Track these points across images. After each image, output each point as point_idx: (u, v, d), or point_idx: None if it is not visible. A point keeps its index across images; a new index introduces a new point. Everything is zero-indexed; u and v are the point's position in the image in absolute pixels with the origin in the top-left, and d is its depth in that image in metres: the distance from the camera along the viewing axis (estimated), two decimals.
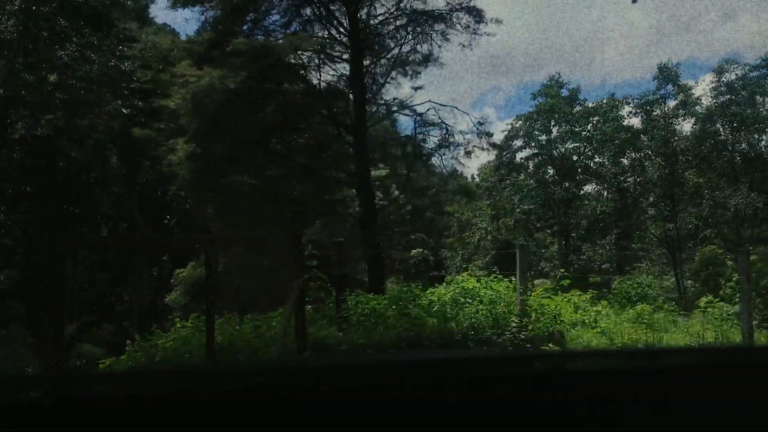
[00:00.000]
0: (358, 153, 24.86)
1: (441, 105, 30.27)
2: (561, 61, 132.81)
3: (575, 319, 9.83)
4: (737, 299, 14.04)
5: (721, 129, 40.32)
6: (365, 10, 25.81)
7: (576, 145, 50.13)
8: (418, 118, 29.02)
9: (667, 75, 42.60)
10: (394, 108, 28.65)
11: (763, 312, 12.62)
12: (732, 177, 40.78)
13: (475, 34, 26.07)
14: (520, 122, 50.37)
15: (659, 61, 45.17)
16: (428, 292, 10.37)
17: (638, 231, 48.27)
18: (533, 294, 9.76)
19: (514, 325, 8.55)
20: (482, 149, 30.10)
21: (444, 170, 36.24)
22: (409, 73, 28.03)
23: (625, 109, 44.91)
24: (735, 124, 40.17)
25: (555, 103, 47.78)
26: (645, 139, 43.22)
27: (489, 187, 54.08)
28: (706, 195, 41.88)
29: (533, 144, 51.99)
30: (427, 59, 27.37)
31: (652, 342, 8.38)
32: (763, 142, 41.68)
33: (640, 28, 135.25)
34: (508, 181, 53.46)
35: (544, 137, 51.31)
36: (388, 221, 66.99)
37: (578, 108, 49.15)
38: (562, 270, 12.27)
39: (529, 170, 52.95)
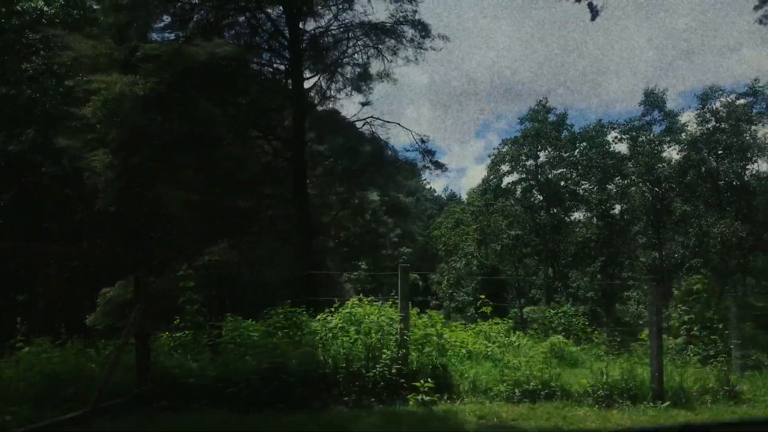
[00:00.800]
0: (296, 168, 23.93)
1: (385, 121, 29.35)
2: (566, 89, 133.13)
3: (475, 350, 9.03)
4: (683, 332, 13.32)
5: (706, 156, 39.72)
6: (309, 22, 25.10)
7: (563, 170, 49.67)
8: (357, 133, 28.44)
9: (653, 101, 42.22)
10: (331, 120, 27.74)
11: (704, 347, 11.87)
12: (717, 205, 40.16)
13: (421, 48, 25.49)
14: (506, 147, 49.91)
15: (647, 86, 45.03)
16: (318, 317, 9.57)
17: (628, 259, 47.51)
18: (419, 323, 8.98)
19: (385, 357, 7.73)
20: (426, 167, 29.27)
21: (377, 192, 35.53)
22: (363, 88, 27.37)
23: (611, 135, 44.49)
24: (720, 152, 39.64)
25: (541, 128, 47.37)
26: (630, 165, 42.70)
27: (475, 211, 53.42)
28: (693, 223, 41.20)
29: (520, 169, 51.52)
30: (380, 75, 26.81)
31: (547, 377, 7.65)
32: (749, 171, 41.10)
33: (644, 58, 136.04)
34: (495, 206, 52.85)
35: (531, 162, 50.88)
36: (376, 245, 66.50)
37: (565, 133, 48.74)
38: (483, 296, 11.44)
39: (516, 195, 52.37)
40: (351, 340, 8.02)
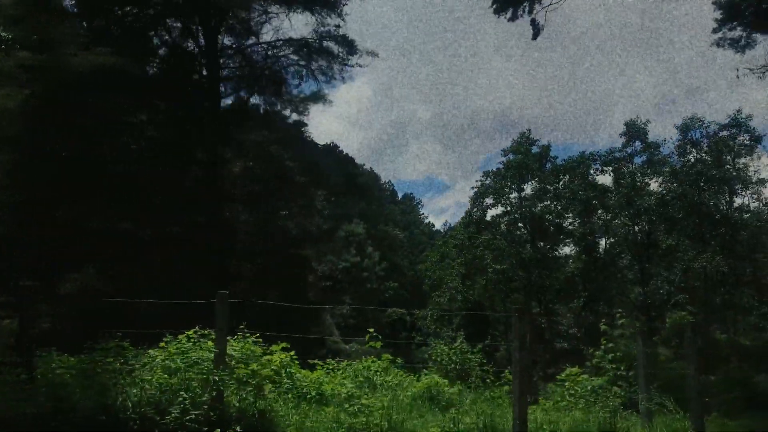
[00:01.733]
0: (211, 191, 22.80)
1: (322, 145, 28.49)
2: (571, 123, 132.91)
3: (328, 392, 7.84)
4: (604, 372, 12.16)
5: (688, 188, 38.58)
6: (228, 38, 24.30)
7: (547, 203, 48.57)
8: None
9: (634, 132, 41.29)
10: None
11: (629, 389, 10.69)
12: (700, 239, 38.92)
13: (346, 65, 24.80)
14: (489, 179, 48.98)
15: (628, 118, 44.10)
16: (146, 353, 8.37)
17: (613, 295, 46.11)
18: (233, 359, 7.80)
19: (183, 400, 6.50)
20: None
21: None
22: (300, 109, 26.64)
23: (593, 167, 43.46)
24: (702, 184, 38.54)
25: (523, 159, 46.47)
26: (613, 197, 41.62)
27: (458, 244, 52.22)
28: (679, 257, 39.95)
29: (505, 201, 50.49)
30: (316, 96, 26.16)
31: (386, 425, 6.48)
32: (735, 203, 39.96)
33: (646, 93, 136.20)
34: (480, 239, 51.64)
35: (515, 195, 49.89)
36: (361, 279, 65.29)
37: (549, 166, 47.79)
38: (371, 330, 10.23)
39: (501, 228, 51.19)
40: (152, 379, 6.86)
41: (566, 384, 10.70)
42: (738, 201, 39.77)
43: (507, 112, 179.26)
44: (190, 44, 24.20)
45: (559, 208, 46.34)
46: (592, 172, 43.78)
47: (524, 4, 16.98)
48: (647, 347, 13.61)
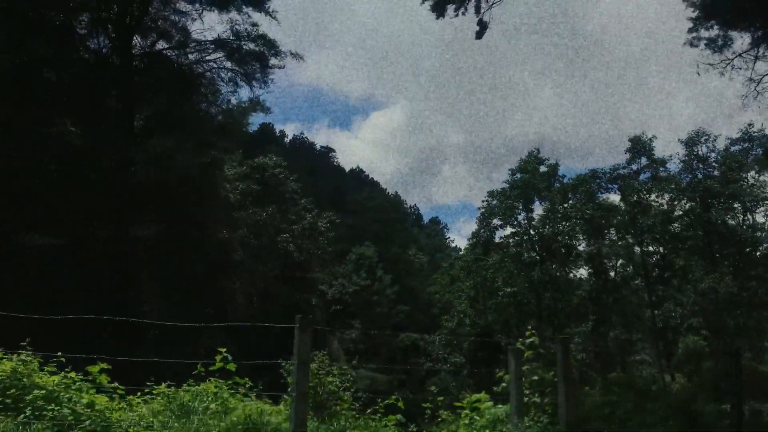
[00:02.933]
0: (113, 204, 21.70)
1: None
2: (602, 148, 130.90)
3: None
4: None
5: (694, 206, 36.77)
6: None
7: (557, 225, 46.98)
8: None
9: (639, 148, 39.63)
10: None
11: (546, 418, 9.45)
12: (709, 258, 37.00)
13: (266, 67, 23.90)
14: (495, 200, 47.67)
15: (632, 134, 42.04)
16: None
17: (629, 319, 44.20)
18: None
19: None
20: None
21: None
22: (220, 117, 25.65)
23: (596, 184, 41.83)
24: (711, 201, 36.69)
25: (530, 178, 45.06)
26: (618, 216, 39.95)
27: (464, 266, 50.89)
28: (690, 278, 38.08)
29: (514, 222, 49.07)
30: (253, 104, 25.33)
31: None
32: (746, 221, 37.92)
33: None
34: (490, 261, 50.20)
35: (523, 216, 48.46)
36: (371, 302, 64.13)
37: (557, 185, 46.28)
38: (223, 348, 9.09)
39: (509, 250, 49.67)
40: None
41: (463, 413, 9.47)
42: (751, 219, 37.83)
43: (543, 136, 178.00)
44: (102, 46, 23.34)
45: (567, 228, 44.75)
46: (596, 190, 42.19)
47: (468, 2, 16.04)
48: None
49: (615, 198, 41.49)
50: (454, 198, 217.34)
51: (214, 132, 26.09)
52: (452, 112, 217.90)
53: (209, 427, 6.51)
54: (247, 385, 8.39)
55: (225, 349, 8.56)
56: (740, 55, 16.33)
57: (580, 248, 45.14)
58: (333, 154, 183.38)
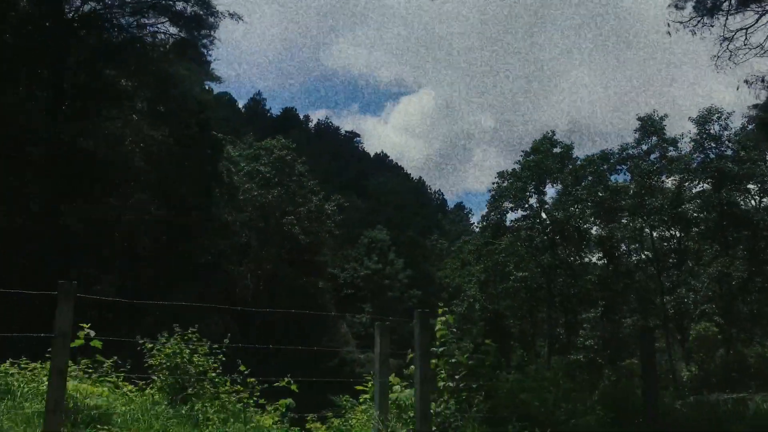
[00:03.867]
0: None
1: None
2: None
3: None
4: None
5: (706, 187, 35.08)
6: None
7: (570, 207, 45.48)
8: None
9: (649, 128, 37.86)
10: None
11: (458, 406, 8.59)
12: (722, 242, 35.39)
13: (210, 28, 22.87)
14: (506, 181, 46.38)
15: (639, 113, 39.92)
16: None
17: (634, 303, 42.82)
18: None
19: None
20: None
21: None
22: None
23: (605, 166, 40.18)
24: (724, 182, 34.95)
25: (542, 159, 43.60)
26: (629, 199, 38.31)
27: (473, 250, 49.81)
28: (702, 263, 36.54)
29: (525, 206, 47.76)
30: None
31: None
32: (765, 202, 36.11)
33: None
34: (501, 245, 48.98)
35: (534, 199, 47.11)
36: (382, 286, 63.49)
37: (570, 167, 44.71)
38: (86, 324, 8.31)
39: (520, 234, 48.36)
40: None
41: (361, 398, 8.65)
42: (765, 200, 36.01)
43: (577, 120, 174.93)
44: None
45: (578, 211, 43.31)
46: (608, 171, 40.56)
47: None
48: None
49: (626, 179, 39.99)
50: (487, 183, 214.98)
51: (168, 102, 25.25)
52: (483, 96, 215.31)
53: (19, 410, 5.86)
54: (106, 365, 7.69)
55: (89, 325, 7.82)
56: (713, 10, 14.86)
57: (593, 232, 43.73)
58: (358, 139, 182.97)
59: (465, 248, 51.30)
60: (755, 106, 20.29)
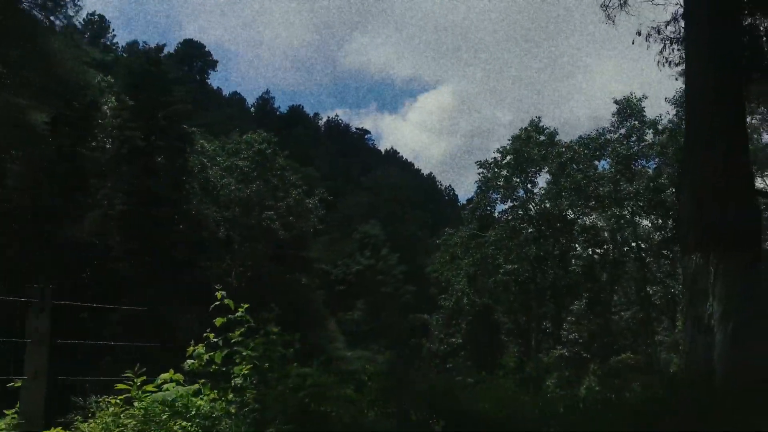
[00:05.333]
0: None
1: None
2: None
3: None
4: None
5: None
6: None
7: (557, 199, 43.87)
8: None
9: (628, 110, 36.16)
10: None
11: None
12: None
13: None
14: (488, 171, 44.99)
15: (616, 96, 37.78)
16: None
17: (620, 296, 41.23)
18: None
19: None
20: None
21: None
22: None
23: (588, 152, 38.45)
24: None
25: (520, 146, 42.14)
26: (610, 185, 36.63)
27: (459, 242, 48.51)
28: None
29: (515, 196, 46.33)
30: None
31: None
32: None
33: None
34: (490, 238, 47.59)
35: (521, 189, 45.68)
36: (375, 282, 62.30)
37: (554, 152, 43.06)
38: None
39: (506, 225, 46.94)
40: None
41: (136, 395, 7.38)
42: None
43: (599, 117, 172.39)
44: None
45: (564, 200, 41.78)
46: (589, 157, 38.91)
47: None
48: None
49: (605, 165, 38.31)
50: None
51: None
52: (501, 91, 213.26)
53: None
54: None
55: None
56: None
57: (579, 222, 42.23)
58: (369, 136, 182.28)
59: (450, 241, 49.93)
60: None
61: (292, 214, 47.69)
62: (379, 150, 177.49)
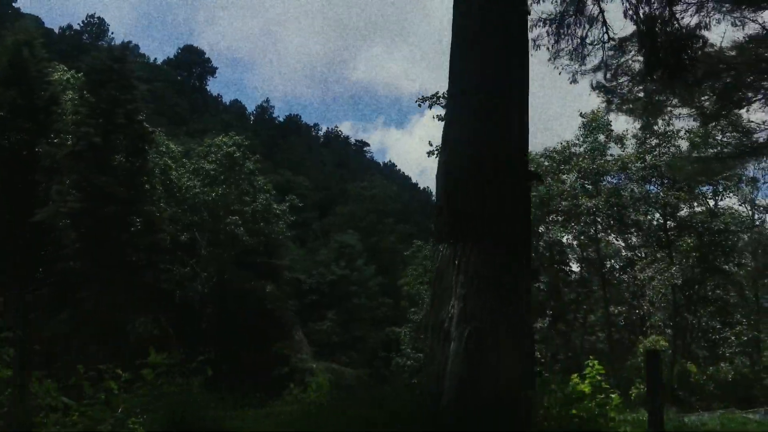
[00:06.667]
0: None
1: None
2: None
3: None
4: None
5: (637, 184, 32.32)
6: None
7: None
8: None
9: (593, 125, 34.93)
10: None
11: None
12: (665, 245, 32.54)
13: None
14: None
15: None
16: None
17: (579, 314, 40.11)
18: None
19: None
20: None
21: None
22: None
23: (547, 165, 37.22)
24: (666, 182, 32.14)
25: None
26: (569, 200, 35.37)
27: (429, 255, 47.40)
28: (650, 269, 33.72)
29: None
30: None
31: None
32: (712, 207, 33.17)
33: None
34: None
35: None
36: (348, 293, 61.22)
37: None
38: None
39: None
40: None
41: None
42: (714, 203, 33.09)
43: None
44: None
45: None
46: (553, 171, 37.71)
47: None
48: None
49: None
50: None
51: None
52: None
53: None
54: None
55: None
56: None
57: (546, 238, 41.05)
58: (368, 148, 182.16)
59: (420, 253, 48.90)
60: None
61: (259, 219, 46.80)
62: (378, 162, 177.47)
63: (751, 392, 30.26)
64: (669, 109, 13.86)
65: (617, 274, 37.32)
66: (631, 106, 14.98)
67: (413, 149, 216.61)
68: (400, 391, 6.23)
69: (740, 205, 33.86)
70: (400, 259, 77.93)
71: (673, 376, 32.78)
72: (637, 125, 25.37)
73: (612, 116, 14.27)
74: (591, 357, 10.37)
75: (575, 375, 9.67)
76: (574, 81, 12.04)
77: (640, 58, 12.62)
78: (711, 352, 33.55)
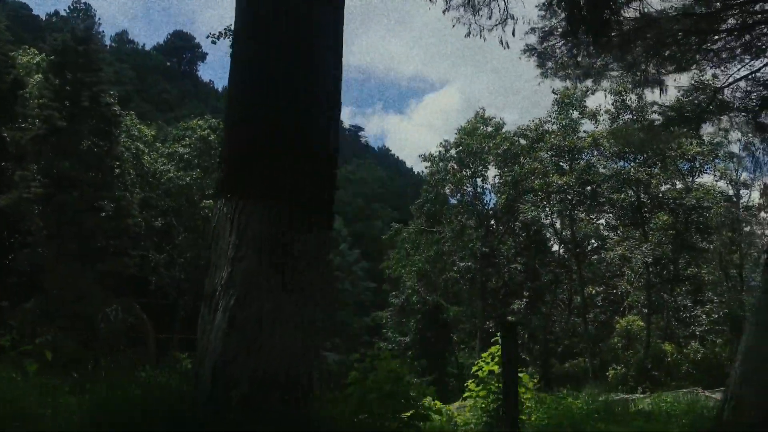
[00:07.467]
0: None
1: None
2: None
3: None
4: None
5: (610, 162, 31.53)
6: None
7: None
8: None
9: (565, 101, 34.04)
10: None
11: None
12: (640, 223, 31.79)
13: None
14: (433, 165, 43.22)
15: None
16: None
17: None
18: None
19: None
20: None
21: None
22: None
23: (521, 144, 36.43)
24: (638, 158, 31.32)
25: (461, 139, 40.28)
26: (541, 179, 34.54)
27: (408, 239, 46.89)
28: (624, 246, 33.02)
29: (466, 189, 44.55)
30: None
31: None
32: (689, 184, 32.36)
33: None
34: (446, 234, 45.95)
35: (469, 184, 43.87)
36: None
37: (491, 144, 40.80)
38: None
39: (456, 221, 45.19)
40: None
41: None
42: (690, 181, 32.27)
43: None
44: None
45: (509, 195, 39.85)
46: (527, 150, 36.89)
47: None
48: None
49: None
50: None
51: None
52: (508, 93, 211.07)
53: None
54: None
55: None
56: None
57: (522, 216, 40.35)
58: (363, 132, 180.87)
59: (398, 237, 48.33)
60: None
61: None
62: (372, 147, 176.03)
63: (726, 372, 29.64)
64: (597, 71, 12.94)
65: (595, 254, 36.63)
66: (568, 71, 14.08)
67: (411, 135, 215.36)
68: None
69: (717, 181, 33.09)
70: (389, 244, 77.59)
71: (647, 356, 32.20)
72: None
73: (549, 82, 13.24)
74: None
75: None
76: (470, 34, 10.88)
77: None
78: (689, 332, 32.97)
